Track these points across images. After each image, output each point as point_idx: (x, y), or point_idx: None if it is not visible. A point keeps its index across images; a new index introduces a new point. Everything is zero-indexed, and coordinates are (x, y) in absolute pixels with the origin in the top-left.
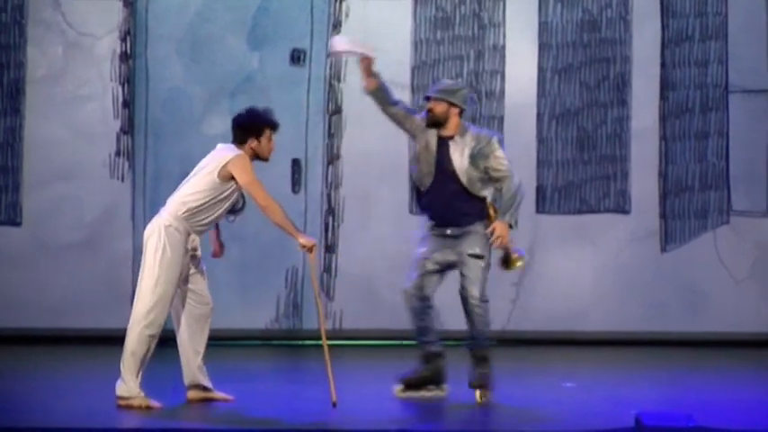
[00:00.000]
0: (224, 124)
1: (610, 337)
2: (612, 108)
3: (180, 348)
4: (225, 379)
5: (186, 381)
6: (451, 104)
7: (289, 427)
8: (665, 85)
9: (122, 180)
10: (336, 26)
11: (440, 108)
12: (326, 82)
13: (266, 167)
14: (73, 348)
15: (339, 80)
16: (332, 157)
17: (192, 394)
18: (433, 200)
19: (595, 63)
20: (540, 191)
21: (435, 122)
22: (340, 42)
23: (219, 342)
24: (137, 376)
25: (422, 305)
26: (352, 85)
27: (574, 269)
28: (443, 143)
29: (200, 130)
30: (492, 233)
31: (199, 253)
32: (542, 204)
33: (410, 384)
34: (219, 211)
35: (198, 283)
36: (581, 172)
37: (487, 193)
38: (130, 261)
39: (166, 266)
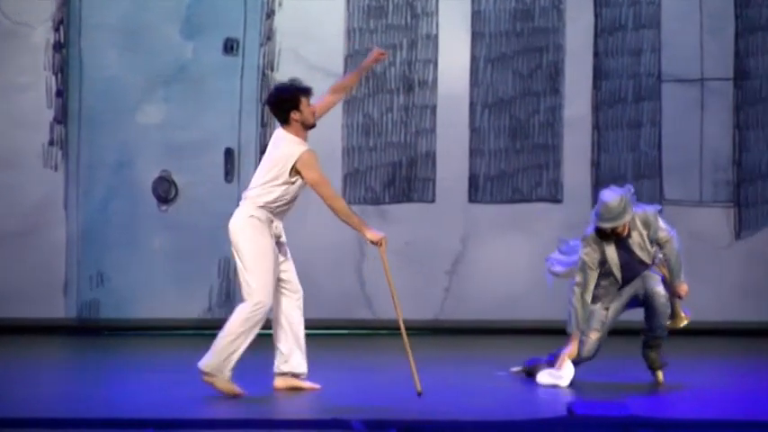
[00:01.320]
0: (158, 113)
1: (544, 326)
2: (545, 97)
3: (277, 337)
4: (160, 368)
5: (278, 369)
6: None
7: (226, 416)
8: (598, 75)
9: (56, 170)
10: (270, 15)
11: (622, 228)
12: (260, 71)
13: (199, 157)
14: (5, 338)
15: (272, 69)
16: (265, 147)
17: (279, 382)
18: (623, 282)
19: (528, 52)
20: (472, 180)
21: (619, 239)
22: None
23: (153, 332)
24: (226, 359)
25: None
26: (286, 75)
27: (507, 258)
28: (622, 244)
29: (134, 119)
30: (679, 295)
31: (283, 239)
32: (475, 194)
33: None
34: (296, 196)
35: (288, 272)
36: (514, 161)
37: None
38: (64, 250)
39: (262, 255)
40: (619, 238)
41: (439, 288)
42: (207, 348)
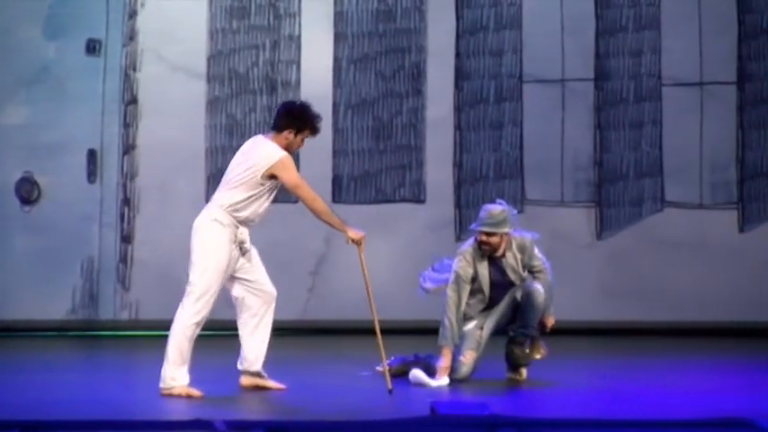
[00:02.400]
0: (20, 114)
1: (407, 326)
2: (408, 98)
3: (241, 336)
4: (23, 370)
5: (241, 366)
6: (505, 234)
7: (91, 417)
8: (460, 75)
9: None
10: (132, 16)
11: (496, 240)
12: (122, 71)
13: (62, 158)
14: None
15: (135, 70)
16: (128, 148)
17: (245, 380)
18: (492, 302)
19: (391, 53)
20: (336, 181)
21: (492, 252)
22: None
23: (15, 333)
24: (180, 365)
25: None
26: (149, 75)
27: (370, 258)
28: (495, 263)
29: None
30: (544, 328)
31: (247, 245)
32: (338, 194)
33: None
34: (265, 206)
35: (254, 274)
36: (377, 162)
37: None
38: None
39: (211, 259)
40: (493, 257)
41: (302, 289)
42: (71, 349)
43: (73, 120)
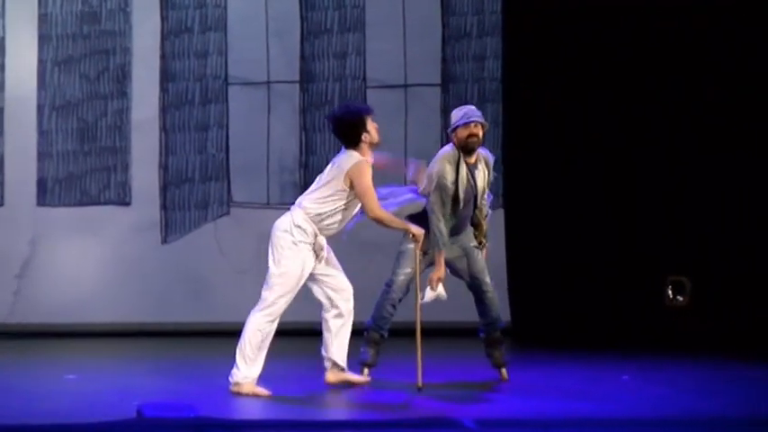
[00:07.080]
0: None
1: (112, 329)
2: (113, 100)
3: (328, 336)
4: None
5: (327, 363)
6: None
7: None
8: (166, 77)
9: None
10: None
11: (481, 132)
12: None
13: None
14: None
15: None
16: None
17: (332, 376)
18: (458, 219)
19: (96, 55)
20: (40, 183)
21: (477, 147)
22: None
23: None
24: (251, 363)
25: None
26: None
27: (77, 261)
28: (471, 171)
29: None
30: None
31: (324, 253)
32: (43, 197)
33: (373, 365)
34: (347, 218)
35: (332, 273)
36: (82, 164)
37: None
38: None
39: (291, 262)
40: (468, 164)
41: (8, 292)
42: None
43: None
